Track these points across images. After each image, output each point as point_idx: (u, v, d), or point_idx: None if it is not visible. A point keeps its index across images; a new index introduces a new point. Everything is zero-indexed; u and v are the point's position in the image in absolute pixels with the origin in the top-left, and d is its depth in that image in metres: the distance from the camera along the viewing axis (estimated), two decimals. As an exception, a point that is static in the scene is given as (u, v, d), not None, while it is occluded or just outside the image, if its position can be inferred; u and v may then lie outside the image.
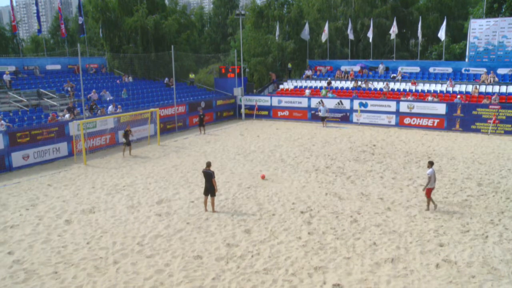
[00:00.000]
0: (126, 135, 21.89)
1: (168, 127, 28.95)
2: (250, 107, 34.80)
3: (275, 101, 33.96)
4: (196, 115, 30.13)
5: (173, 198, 15.11)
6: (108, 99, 27.62)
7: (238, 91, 35.11)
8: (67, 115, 22.84)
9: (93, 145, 23.25)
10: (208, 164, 13.63)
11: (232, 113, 35.57)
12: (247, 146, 23.65)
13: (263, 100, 34.42)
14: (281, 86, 37.19)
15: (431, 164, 13.26)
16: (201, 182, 16.43)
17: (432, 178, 13.03)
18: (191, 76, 37.21)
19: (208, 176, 13.45)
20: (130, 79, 33.59)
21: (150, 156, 22.06)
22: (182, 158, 21.31)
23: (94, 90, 27.17)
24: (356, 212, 13.55)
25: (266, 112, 34.30)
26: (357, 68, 36.66)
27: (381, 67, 35.56)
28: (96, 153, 22.88)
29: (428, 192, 13.25)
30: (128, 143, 21.88)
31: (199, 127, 28.68)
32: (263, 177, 17.18)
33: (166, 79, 34.78)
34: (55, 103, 24.92)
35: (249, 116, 34.86)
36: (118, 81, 31.93)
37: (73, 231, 12.51)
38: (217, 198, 14.53)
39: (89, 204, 14.69)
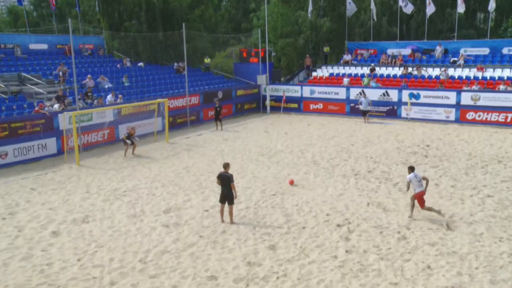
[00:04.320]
0: (128, 138, 22.17)
1: (179, 122, 29.21)
2: (277, 99, 34.91)
3: (306, 91, 33.97)
4: (211, 108, 30.25)
5: (183, 206, 15.21)
6: (106, 86, 27.99)
7: (262, 79, 35.18)
8: (56, 105, 23.13)
9: (88, 142, 23.56)
10: (226, 166, 13.63)
11: (254, 105, 35.70)
12: (273, 145, 23.73)
13: (292, 90, 34.45)
14: (314, 74, 37.10)
15: (411, 169, 13.97)
16: (217, 187, 16.25)
17: (414, 184, 13.67)
18: (206, 60, 37.50)
19: (226, 180, 13.44)
20: (129, 63, 33.94)
21: (156, 155, 22.22)
22: (194, 158, 21.44)
23: (89, 76, 27.47)
24: (405, 227, 13.32)
25: (295, 105, 34.34)
26: (407, 51, 36.10)
27: (438, 50, 34.78)
28: (92, 151, 23.15)
29: (418, 197, 13.65)
30: (131, 142, 22.17)
31: (215, 122, 28.83)
32: (291, 183, 17.22)
33: (176, 64, 35.11)
34: (41, 90, 25.26)
35: (275, 109, 34.94)
36: (118, 66, 32.35)
37: (61, 245, 12.55)
38: (236, 206, 14.50)
39: (82, 212, 14.79)
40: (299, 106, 34.21)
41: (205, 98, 31.16)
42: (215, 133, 27.70)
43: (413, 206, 14.03)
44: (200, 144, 24.41)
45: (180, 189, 16.93)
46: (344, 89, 32.68)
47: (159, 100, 25.92)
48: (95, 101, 25.07)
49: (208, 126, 29.68)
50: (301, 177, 18.08)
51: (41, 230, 13.51)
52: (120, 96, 26.20)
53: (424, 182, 13.93)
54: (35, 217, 14.52)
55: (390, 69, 34.99)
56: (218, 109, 28.54)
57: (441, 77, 31.90)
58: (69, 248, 12.35)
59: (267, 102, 35.08)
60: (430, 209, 13.87)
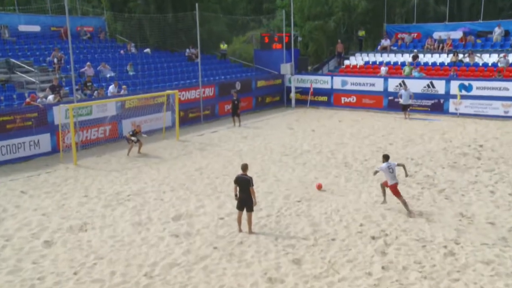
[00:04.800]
0: (133, 135, 22.34)
1: (191, 116, 29.41)
2: (303, 91, 34.99)
3: (337, 82, 33.93)
4: (228, 101, 30.39)
5: (195, 213, 15.27)
6: (108, 76, 28.28)
7: (286, 68, 35.20)
8: (50, 97, 23.39)
9: (87, 139, 23.84)
10: (245, 168, 13.66)
11: (278, 98, 35.81)
12: (298, 144, 23.80)
13: (322, 81, 34.45)
14: (346, 62, 37.02)
15: (385, 158, 15.15)
16: (233, 191, 16.40)
17: (387, 176, 14.94)
18: (223, 46, 37.66)
19: (244, 183, 13.47)
20: (134, 49, 34.14)
21: (165, 155, 22.39)
22: (208, 158, 21.56)
23: (88, 63, 27.75)
24: (453, 242, 13.16)
25: (324, 98, 34.34)
26: (457, 34, 35.63)
27: (497, 32, 34.13)
28: (91, 150, 23.40)
29: (392, 189, 14.93)
30: (136, 140, 22.36)
31: (232, 117, 28.95)
32: (319, 187, 17.22)
33: (188, 50, 35.35)
34: (32, 79, 25.55)
35: (301, 102, 35.01)
36: (122, 52, 32.71)
37: (54, 256, 12.60)
38: (256, 214, 14.49)
39: (79, 219, 14.87)
40: (328, 99, 34.18)
41: (221, 89, 31.30)
42: (232, 130, 27.78)
43: (384, 192, 15.49)
44: (215, 143, 24.51)
45: (192, 193, 17.00)
46: (381, 80, 32.51)
47: (168, 91, 26.10)
48: (95, 92, 25.31)
49: (224, 122, 29.79)
50: (330, 181, 18.06)
51: (32, 239, 13.62)
52: (124, 86, 26.43)
53: (397, 172, 15.23)
54: (25, 224, 14.61)
55: (436, 56, 34.63)
56: (236, 102, 28.61)
57: (499, 64, 31.35)
58: (64, 260, 12.42)
59: (292, 95, 35.14)
60: (404, 202, 14.97)
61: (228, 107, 30.70)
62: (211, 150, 22.96)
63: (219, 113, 31.28)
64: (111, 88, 25.89)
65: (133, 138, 22.31)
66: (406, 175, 15.64)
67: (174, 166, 20.44)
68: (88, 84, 25.73)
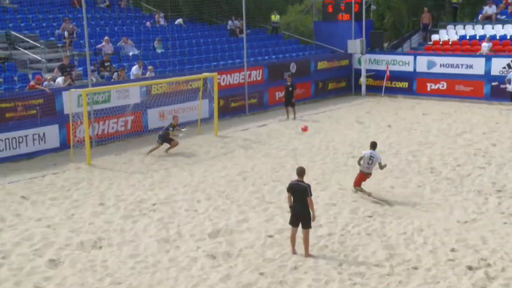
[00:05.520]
0: (166, 134, 22.41)
1: (233, 106, 29.56)
2: (377, 74, 34.83)
3: (422, 63, 33.69)
4: (281, 87, 30.39)
5: (237, 229, 15.26)
6: (131, 54, 28.56)
7: (355, 45, 34.99)
8: (59, 79, 23.75)
9: (103, 132, 24.17)
10: (301, 173, 13.56)
11: (344, 83, 35.74)
12: (368, 143, 23.22)
13: (401, 62, 34.24)
14: (434, 37, 36.47)
15: (372, 146, 17.48)
16: (286, 202, 16.27)
17: (363, 163, 17.31)
18: (274, 18, 37.70)
19: (300, 192, 13.37)
20: (163, 21, 34.36)
21: (200, 154, 22.55)
22: (254, 159, 21.63)
23: (106, 38, 28.08)
24: None
25: (404, 84, 34.19)
26: None
27: None
28: (109, 146, 23.73)
29: (360, 176, 17.57)
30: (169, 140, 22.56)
31: (285, 108, 28.95)
32: (304, 129, 18.55)
33: (231, 22, 35.50)
34: (38, 57, 25.86)
35: (373, 89, 34.91)
36: (148, 24, 33.03)
37: (61, 279, 12.63)
38: (314, 232, 14.44)
39: (93, 233, 14.97)
40: (410, 85, 33.92)
41: (271, 72, 31.29)
42: (286, 123, 27.74)
43: (361, 189, 17.58)
44: (263, 140, 24.55)
45: (233, 203, 17.00)
46: (482, 60, 32.02)
47: (205, 74, 26.20)
48: (115, 74, 25.59)
49: (275, 113, 29.79)
50: (411, 192, 17.87)
51: (34, 257, 13.73)
52: (150, 68, 26.60)
53: (374, 165, 17.44)
54: (26, 238, 14.65)
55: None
56: (290, 89, 28.54)
57: None
58: (73, 284, 12.47)
59: (362, 80, 34.95)
60: (362, 190, 17.48)
61: (280, 94, 30.71)
62: (258, 149, 22.99)
63: (268, 102, 31.31)
64: (134, 70, 26.08)
65: (180, 134, 22.67)
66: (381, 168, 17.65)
67: (211, 168, 20.49)
68: (106, 64, 26.04)
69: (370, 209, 16.45)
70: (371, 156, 17.19)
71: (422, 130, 25.82)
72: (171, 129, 22.50)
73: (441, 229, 15.06)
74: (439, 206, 16.71)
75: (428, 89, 33.47)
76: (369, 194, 17.24)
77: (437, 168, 20.18)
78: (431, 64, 33.31)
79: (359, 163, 17.53)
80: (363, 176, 17.48)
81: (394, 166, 20.44)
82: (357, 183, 17.54)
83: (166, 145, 22.65)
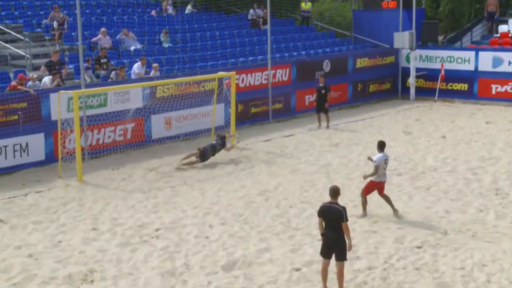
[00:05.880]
0: (222, 143, 23.06)
1: (254, 112, 29.56)
2: (429, 74, 34.74)
3: (486, 60, 33.58)
4: (312, 89, 30.32)
5: (257, 260, 15.15)
6: (132, 48, 28.71)
7: (403, 38, 34.85)
8: (46, 79, 23.83)
9: (98, 143, 24.15)
10: (335, 193, 13.34)
11: (388, 85, 35.81)
12: (419, 158, 23.75)
13: (460, 59, 34.18)
14: (501, 28, 36.42)
15: (381, 148, 17.55)
16: (317, 228, 15.86)
17: (380, 168, 17.25)
18: (305, 6, 37.78)
19: (334, 217, 13.19)
20: (171, 9, 34.38)
21: (214, 169, 22.56)
22: (279, 176, 21.58)
23: (103, 30, 28.23)
24: None
25: (463, 85, 34.17)
26: None
27: None
28: (105, 159, 23.76)
29: (369, 188, 17.59)
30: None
31: (317, 114, 28.90)
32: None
33: (253, 11, 35.59)
34: (21, 52, 25.98)
35: (425, 92, 34.91)
36: (153, 13, 33.19)
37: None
38: (350, 264, 14.35)
39: (84, 264, 14.88)
40: (470, 88, 33.86)
41: (300, 72, 31.26)
42: (317, 133, 27.65)
43: (365, 203, 17.71)
44: (290, 152, 24.49)
45: (253, 229, 16.87)
46: None
47: (221, 74, 26.13)
48: (113, 73, 25.65)
49: (304, 121, 29.77)
50: (471, 218, 17.64)
51: (13, 292, 13.79)
52: (155, 65, 26.64)
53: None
54: (2, 270, 14.52)
55: None
56: (323, 91, 28.45)
57: None
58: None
59: (411, 81, 34.80)
60: (364, 204, 17.75)
61: (311, 98, 30.61)
62: (283, 164, 22.91)
63: (296, 107, 31.29)
64: (137, 68, 26.13)
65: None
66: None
67: (226, 187, 20.42)
68: (103, 61, 26.13)
69: (419, 238, 16.20)
70: (385, 160, 17.45)
71: (484, 142, 25.62)
72: (219, 139, 23.23)
73: (509, 265, 14.82)
74: (506, 236, 16.41)
75: (493, 92, 33.35)
76: (395, 213, 17.59)
77: (504, 189, 19.97)
78: (497, 62, 33.15)
79: (374, 174, 17.46)
80: (376, 184, 17.60)
81: (449, 186, 20.34)
82: (383, 192, 17.75)
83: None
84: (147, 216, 17.90)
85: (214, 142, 23.25)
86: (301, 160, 23.30)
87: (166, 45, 29.95)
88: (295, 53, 32.84)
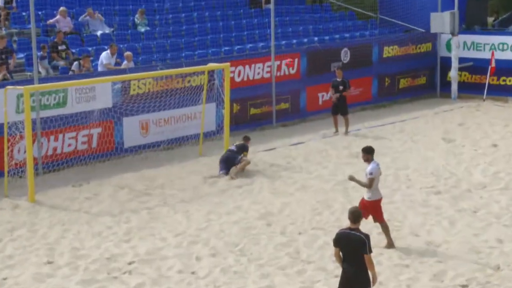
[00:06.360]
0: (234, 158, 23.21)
1: (253, 113, 29.72)
2: (476, 66, 34.84)
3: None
4: (327, 84, 30.30)
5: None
6: (99, 33, 28.77)
7: (443, 20, 34.98)
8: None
9: (56, 152, 24.12)
10: (356, 217, 13.13)
11: (423, 79, 36.08)
12: (462, 171, 23.83)
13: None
14: None
15: (370, 153, 17.33)
16: (334, 261, 15.89)
17: (376, 181, 17.19)
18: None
19: (355, 247, 13.00)
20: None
21: (202, 186, 22.65)
22: (285, 195, 21.68)
23: (62, 9, 28.16)
24: None
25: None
26: None
27: None
28: (64, 173, 23.79)
29: (375, 206, 17.24)
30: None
31: (333, 116, 29.02)
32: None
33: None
34: None
35: (470, 89, 35.16)
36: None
37: None
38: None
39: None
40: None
41: (311, 63, 31.33)
42: (333, 140, 27.69)
43: (387, 229, 17.49)
44: (299, 165, 24.57)
45: (252, 262, 16.74)
46: None
47: (211, 65, 26.16)
48: (75, 64, 25.65)
49: (317, 125, 29.96)
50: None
51: None
52: (128, 54, 26.69)
53: None
54: None
55: None
56: (341, 88, 28.51)
57: None
58: None
59: (453, 74, 34.88)
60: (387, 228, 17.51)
61: (325, 97, 30.79)
62: (290, 179, 22.93)
63: (307, 107, 31.44)
64: (105, 57, 26.20)
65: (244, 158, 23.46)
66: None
67: (218, 208, 20.38)
68: (61, 48, 26.13)
69: (464, 275, 16.02)
70: (365, 173, 17.30)
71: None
72: (240, 157, 23.37)
73: None
74: None
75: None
76: (390, 245, 17.50)
77: None
78: None
79: (367, 187, 17.34)
80: (371, 204, 17.31)
81: (502, 208, 20.25)
82: (381, 214, 17.49)
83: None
84: (117, 245, 17.75)
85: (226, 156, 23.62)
86: (312, 175, 23.29)
87: (142, 29, 30.03)
88: (305, 40, 33.01)
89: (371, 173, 16.92)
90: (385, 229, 17.29)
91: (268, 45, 30.10)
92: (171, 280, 15.83)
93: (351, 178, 17.43)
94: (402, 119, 31.10)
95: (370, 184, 16.96)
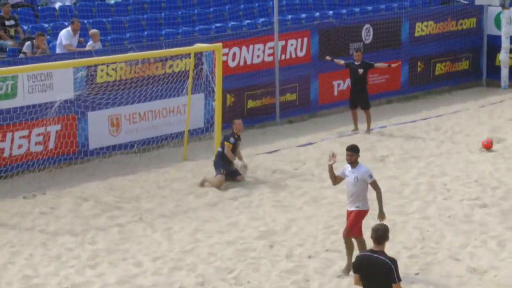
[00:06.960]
0: (234, 148, 23.46)
1: (252, 106, 30.08)
2: None
3: None
4: (342, 72, 30.73)
5: None
6: (57, 5, 28.96)
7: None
8: None
9: (3, 155, 24.37)
10: (380, 236, 13.31)
11: (465, 64, 36.21)
12: None
13: None
14: None
15: (357, 152, 17.70)
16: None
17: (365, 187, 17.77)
18: None
19: (378, 273, 13.15)
20: None
21: (187, 197, 22.84)
22: (291, 209, 21.91)
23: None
24: None
25: None
26: None
27: None
28: (13, 181, 24.08)
29: (359, 217, 17.57)
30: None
31: (351, 111, 29.38)
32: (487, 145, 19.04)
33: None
34: None
35: None
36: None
37: None
38: None
39: None
40: None
41: (324, 43, 31.70)
42: (351, 140, 27.47)
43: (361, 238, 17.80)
44: (309, 171, 24.88)
45: None
46: None
47: (199, 46, 26.47)
48: (27, 44, 25.91)
49: (331, 121, 30.39)
50: None
51: None
52: (93, 32, 26.95)
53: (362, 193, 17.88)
54: None
55: None
56: (362, 74, 28.79)
57: None
58: None
59: (503, 57, 35.07)
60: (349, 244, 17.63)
61: (342, 85, 31.21)
62: (298, 190, 23.23)
63: (319, 99, 31.73)
64: (65, 36, 26.46)
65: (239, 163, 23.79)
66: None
67: (206, 226, 20.66)
68: (9, 23, 26.40)
69: None
70: (355, 177, 17.42)
71: None
72: (232, 140, 23.52)
73: None
74: None
75: None
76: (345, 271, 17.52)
77: None
78: None
79: (380, 192, 17.69)
80: (363, 215, 17.77)
81: None
82: (356, 232, 17.62)
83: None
84: (80, 272, 17.86)
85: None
86: (326, 184, 23.10)
87: (111, 0, 30.20)
88: (317, 14, 33.21)
89: (371, 176, 17.35)
90: (362, 244, 17.35)
91: (270, 21, 30.36)
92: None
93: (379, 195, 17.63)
94: (438, 113, 31.26)
95: (380, 188, 17.50)
